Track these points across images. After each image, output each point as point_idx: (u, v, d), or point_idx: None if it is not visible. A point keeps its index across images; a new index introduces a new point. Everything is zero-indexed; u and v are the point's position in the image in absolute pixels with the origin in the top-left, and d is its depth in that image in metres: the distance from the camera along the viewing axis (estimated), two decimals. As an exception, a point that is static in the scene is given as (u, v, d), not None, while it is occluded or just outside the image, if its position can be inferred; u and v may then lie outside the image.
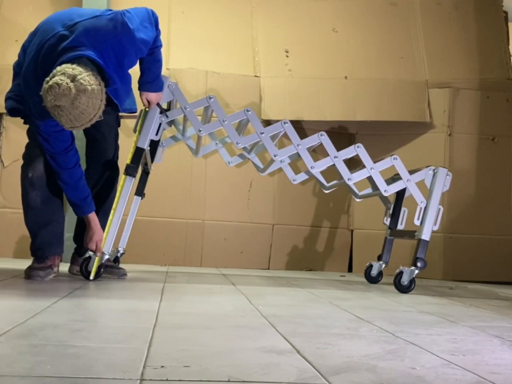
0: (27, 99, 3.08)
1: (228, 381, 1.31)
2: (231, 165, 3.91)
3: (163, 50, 4.75)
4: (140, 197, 3.77)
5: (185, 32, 5.16)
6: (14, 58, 4.84)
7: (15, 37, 4.87)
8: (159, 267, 4.62)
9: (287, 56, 5.18)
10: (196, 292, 3.17)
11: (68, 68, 2.73)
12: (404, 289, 3.61)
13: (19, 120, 4.84)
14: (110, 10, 3.19)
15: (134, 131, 3.52)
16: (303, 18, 5.31)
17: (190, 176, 4.98)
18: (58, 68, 2.75)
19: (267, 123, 4.67)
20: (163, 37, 5.04)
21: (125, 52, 3.04)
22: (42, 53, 2.98)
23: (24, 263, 4.22)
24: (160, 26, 5.16)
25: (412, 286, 3.61)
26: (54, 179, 3.29)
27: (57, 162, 3.18)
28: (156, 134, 3.46)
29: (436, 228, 3.69)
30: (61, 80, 2.68)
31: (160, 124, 3.46)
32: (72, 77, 2.69)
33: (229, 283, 3.66)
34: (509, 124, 5.14)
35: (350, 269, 5.27)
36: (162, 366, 1.40)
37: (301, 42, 5.25)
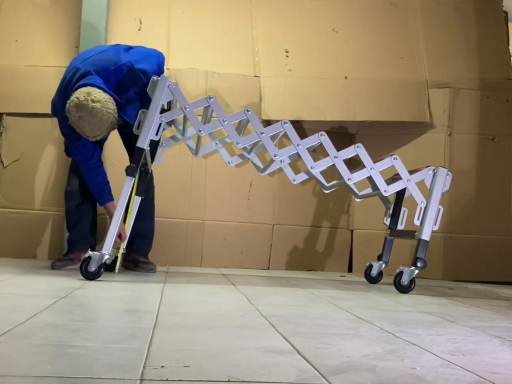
0: (59, 125, 3.90)
1: (228, 381, 1.31)
2: (231, 165, 3.92)
3: (163, 51, 4.78)
4: (140, 197, 3.78)
5: (185, 32, 5.18)
6: (15, 58, 4.90)
7: (15, 37, 4.91)
8: (159, 267, 4.58)
9: (287, 56, 5.20)
10: (196, 292, 3.17)
11: (82, 89, 3.53)
12: (404, 289, 3.61)
13: (20, 121, 4.87)
14: (119, 45, 4.01)
15: (134, 131, 3.55)
16: (303, 18, 5.33)
17: (190, 177, 5.00)
18: (74, 92, 3.54)
19: (267, 123, 4.69)
20: (162, 37, 5.09)
21: (126, 77, 3.80)
22: (64, 84, 3.76)
23: (24, 263, 4.27)
24: (160, 26, 5.20)
25: (412, 286, 3.62)
26: (86, 192, 4.11)
27: (82, 168, 4.02)
28: (156, 134, 3.47)
29: (436, 228, 3.69)
30: (79, 95, 3.48)
31: (160, 124, 3.48)
32: (87, 93, 3.48)
33: (229, 283, 3.66)
34: (509, 124, 5.16)
35: (350, 269, 5.28)
36: (162, 366, 1.40)
37: (301, 42, 5.27)
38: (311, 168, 3.64)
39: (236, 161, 3.91)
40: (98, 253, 3.31)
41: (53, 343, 1.63)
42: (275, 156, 3.59)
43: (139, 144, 3.43)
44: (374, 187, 3.81)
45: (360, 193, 3.92)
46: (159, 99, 3.48)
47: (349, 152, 3.67)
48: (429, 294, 3.63)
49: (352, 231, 5.32)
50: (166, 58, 5.00)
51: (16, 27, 4.92)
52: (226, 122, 3.52)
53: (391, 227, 4.12)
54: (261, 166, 3.97)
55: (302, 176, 3.81)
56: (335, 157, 3.63)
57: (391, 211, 4.11)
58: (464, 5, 5.39)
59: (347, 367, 1.51)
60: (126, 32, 5.01)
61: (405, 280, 3.60)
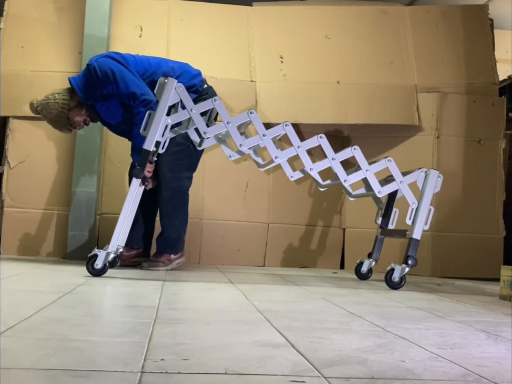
0: None
1: (225, 373, 1.33)
2: (231, 159, 3.85)
3: (163, 56, 4.80)
4: (144, 186, 3.68)
5: (184, 38, 5.21)
6: (20, 63, 4.94)
7: (20, 43, 4.95)
8: None
9: (281, 62, 5.24)
10: (195, 288, 3.17)
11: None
12: (394, 286, 3.62)
13: (25, 123, 4.91)
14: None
15: (141, 132, 3.54)
16: (296, 25, 5.36)
17: None
18: None
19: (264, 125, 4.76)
20: (162, 43, 5.14)
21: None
22: None
23: (29, 260, 4.30)
24: (160, 33, 5.22)
25: (403, 283, 3.63)
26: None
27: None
28: (162, 136, 3.48)
29: (426, 227, 3.70)
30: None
31: (166, 126, 3.48)
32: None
33: (226, 280, 3.66)
34: (494, 126, 5.22)
35: (342, 266, 5.31)
36: (162, 359, 1.43)
37: (295, 49, 5.31)
38: (310, 169, 3.67)
39: (236, 155, 3.84)
40: (105, 251, 3.36)
41: (57, 337, 1.65)
42: (276, 158, 3.62)
43: (146, 146, 3.43)
44: (368, 188, 3.83)
45: (354, 193, 3.92)
46: (166, 101, 3.46)
47: (346, 154, 3.70)
48: (417, 290, 3.65)
49: (344, 229, 5.37)
50: (166, 63, 5.08)
51: (22, 34, 4.97)
52: (230, 125, 3.54)
53: (382, 227, 4.12)
54: (261, 162, 3.94)
55: (299, 174, 3.78)
56: (332, 159, 3.65)
57: (383, 211, 4.11)
58: (451, 12, 5.45)
59: (339, 360, 1.52)
60: (128, 39, 5.05)
61: (396, 276, 3.62)
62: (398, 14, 5.46)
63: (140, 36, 5.13)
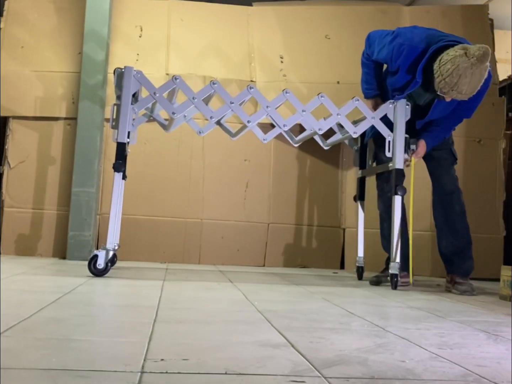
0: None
1: (225, 373, 1.34)
2: (202, 135, 3.86)
3: (163, 57, 4.79)
4: (124, 180, 3.70)
5: (184, 39, 5.22)
6: (20, 63, 4.93)
7: (20, 43, 4.96)
8: (159, 264, 4.67)
9: (281, 62, 5.26)
10: (195, 288, 3.20)
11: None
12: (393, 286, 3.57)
13: (25, 124, 4.92)
14: None
15: (111, 126, 3.54)
16: (297, 25, 5.38)
17: (189, 177, 5.05)
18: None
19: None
20: (162, 43, 5.14)
21: None
22: None
23: (29, 261, 4.31)
24: (160, 33, 5.20)
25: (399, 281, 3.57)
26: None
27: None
28: (133, 125, 3.49)
29: (406, 156, 3.72)
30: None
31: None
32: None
33: (226, 280, 3.67)
34: (494, 127, 5.22)
35: (342, 266, 5.31)
36: (162, 359, 1.43)
37: (295, 49, 5.32)
38: (284, 126, 3.65)
39: (207, 129, 3.86)
40: (104, 250, 3.39)
41: (57, 337, 1.66)
42: (248, 122, 3.62)
43: (119, 139, 3.44)
44: (342, 131, 3.89)
45: (328, 141, 3.98)
46: (128, 90, 3.46)
47: (314, 103, 3.70)
48: (417, 290, 3.65)
49: (344, 229, 5.35)
50: (165, 64, 5.02)
51: (22, 34, 4.98)
52: (196, 100, 3.51)
53: (361, 168, 4.19)
54: (232, 131, 3.95)
55: (272, 134, 3.79)
56: (303, 111, 3.65)
57: (359, 152, 4.19)
58: (451, 12, 5.46)
59: (339, 360, 1.53)
60: (128, 38, 5.07)
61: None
62: (398, 14, 5.48)
63: (140, 36, 5.15)
